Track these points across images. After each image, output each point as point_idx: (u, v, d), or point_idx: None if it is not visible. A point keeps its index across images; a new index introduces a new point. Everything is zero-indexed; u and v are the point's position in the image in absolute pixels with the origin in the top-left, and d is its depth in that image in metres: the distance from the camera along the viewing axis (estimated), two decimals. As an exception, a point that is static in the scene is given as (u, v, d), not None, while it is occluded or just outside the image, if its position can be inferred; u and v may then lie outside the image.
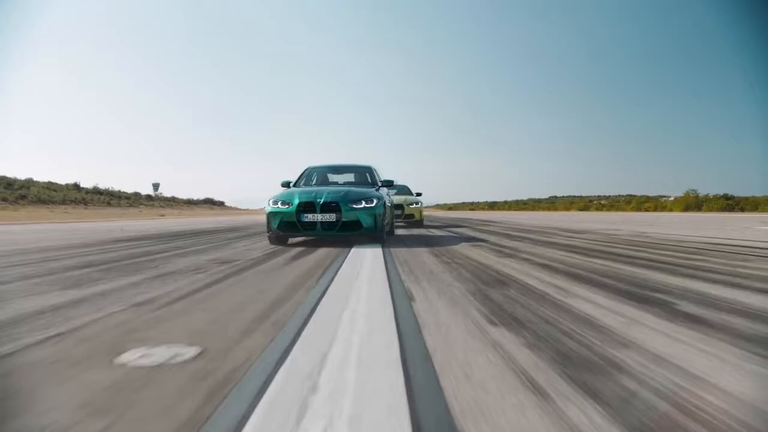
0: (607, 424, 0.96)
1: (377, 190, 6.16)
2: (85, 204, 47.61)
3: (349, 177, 7.29)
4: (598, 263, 3.62)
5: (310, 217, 5.31)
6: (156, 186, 66.27)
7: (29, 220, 22.00)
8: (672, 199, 48.12)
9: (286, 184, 6.71)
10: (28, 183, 50.27)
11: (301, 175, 7.18)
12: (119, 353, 1.44)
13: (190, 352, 1.45)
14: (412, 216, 10.65)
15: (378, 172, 7.36)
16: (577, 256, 4.14)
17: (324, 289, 2.52)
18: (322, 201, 5.32)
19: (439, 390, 1.13)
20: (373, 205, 5.43)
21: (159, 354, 1.43)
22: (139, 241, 6.85)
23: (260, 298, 2.31)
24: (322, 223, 5.29)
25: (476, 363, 1.33)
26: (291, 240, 6.01)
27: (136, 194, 57.66)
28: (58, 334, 1.66)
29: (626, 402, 1.07)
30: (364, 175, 7.09)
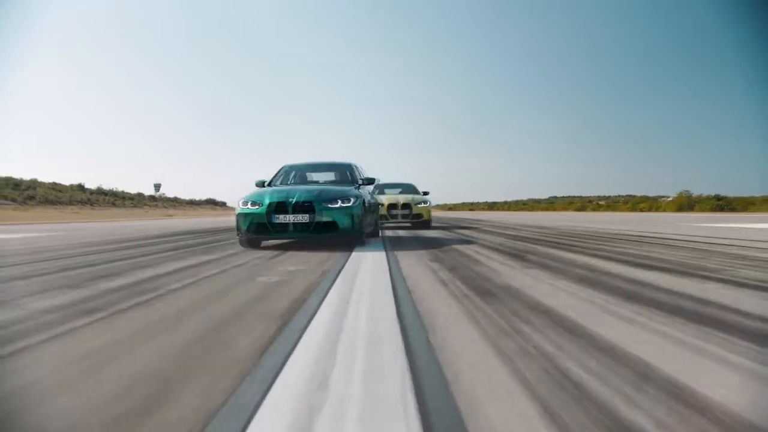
0: (465, 290, 2.57)
1: (357, 188, 5.97)
2: (91, 204, 49.04)
3: (330, 175, 7.00)
4: (529, 246, 5.26)
5: (281, 218, 5.11)
6: (157, 186, 67.86)
7: (49, 220, 23.60)
8: (670, 199, 49.72)
9: (261, 184, 6.42)
10: (34, 184, 51.74)
11: (277, 174, 6.83)
12: (254, 279, 3.07)
13: (288, 278, 3.08)
14: (420, 216, 10.29)
15: (361, 169, 7.13)
16: (521, 243, 5.78)
17: (347, 256, 4.16)
18: (294, 201, 5.13)
19: (405, 284, 2.75)
20: (351, 204, 5.25)
21: (275, 278, 3.06)
22: (186, 235, 8.50)
23: (311, 261, 3.94)
24: (294, 224, 5.10)
25: (423, 277, 2.96)
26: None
27: (140, 195, 59.24)
28: (214, 274, 3.29)
29: (478, 286, 2.68)
30: (345, 173, 6.79)
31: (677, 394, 1.11)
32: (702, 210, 41.11)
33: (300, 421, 1.00)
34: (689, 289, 2.47)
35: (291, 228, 5.11)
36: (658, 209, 46.30)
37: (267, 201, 5.17)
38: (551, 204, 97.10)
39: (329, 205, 5.15)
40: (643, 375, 1.23)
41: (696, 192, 45.09)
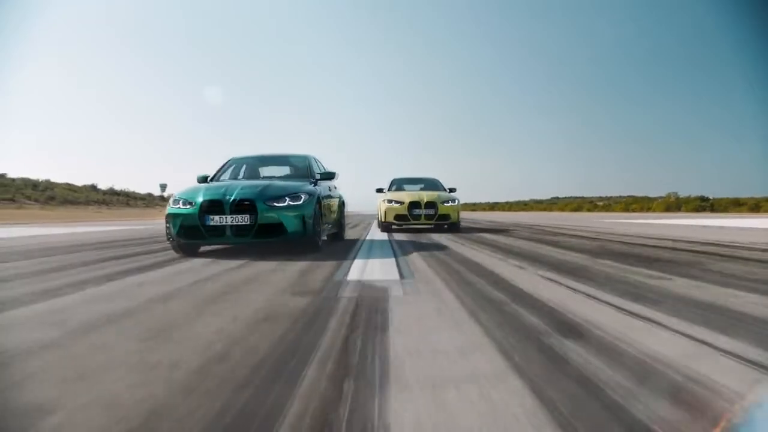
0: (425, 243, 6.08)
1: (313, 184, 5.41)
2: (107, 205, 52.42)
3: (283, 170, 6.42)
4: (477, 233, 8.75)
5: (216, 219, 4.49)
6: (163, 187, 71.28)
7: (91, 219, 27.08)
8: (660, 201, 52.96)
9: (202, 179, 5.72)
10: (50, 185, 55.19)
11: (221, 168, 6.14)
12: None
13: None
14: (447, 217, 9.02)
15: (320, 162, 6.65)
16: (474, 232, 9.28)
17: (367, 233, 7.70)
18: (232, 198, 4.53)
19: (398, 244, 6.28)
20: (301, 202, 4.71)
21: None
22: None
23: (350, 235, 7.47)
24: (232, 227, 4.50)
25: (406, 244, 6.50)
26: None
27: (150, 195, 62.83)
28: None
29: (428, 244, 6.19)
30: (300, 166, 6.19)
31: (468, 259, 4.63)
32: (687, 210, 44.41)
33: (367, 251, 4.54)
34: (504, 239, 5.99)
35: (228, 231, 4.49)
36: (648, 209, 49.63)
37: (200, 199, 4.56)
38: (551, 204, 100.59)
39: (275, 204, 4.57)
40: (450, 253, 4.75)
41: (706, 193, 47.98)
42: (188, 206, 4.59)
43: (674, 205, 47.14)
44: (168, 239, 4.77)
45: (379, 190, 10.19)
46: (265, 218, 4.50)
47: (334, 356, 1.47)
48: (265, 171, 6.40)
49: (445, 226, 9.24)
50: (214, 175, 5.91)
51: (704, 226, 11.09)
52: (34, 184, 53.02)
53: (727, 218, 20.39)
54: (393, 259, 4.32)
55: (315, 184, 5.50)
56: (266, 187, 4.77)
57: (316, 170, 6.14)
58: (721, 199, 46.47)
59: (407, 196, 9.22)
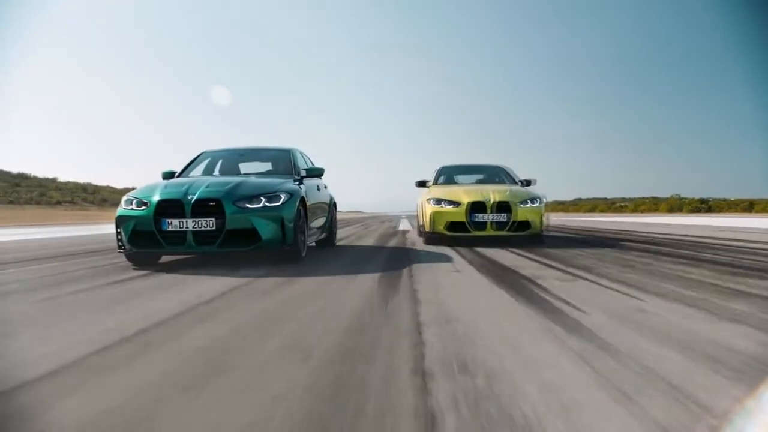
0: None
1: (297, 182, 4.78)
2: (150, 206, 59.96)
3: (265, 166, 5.75)
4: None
5: (175, 223, 3.82)
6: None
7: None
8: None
9: (168, 176, 5.07)
10: (96, 188, 63.29)
11: (191, 162, 5.46)
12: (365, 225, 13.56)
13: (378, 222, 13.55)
14: (526, 225, 6.16)
15: (306, 156, 6.06)
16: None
17: (398, 223, 14.68)
18: (194, 198, 3.85)
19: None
20: (279, 203, 4.06)
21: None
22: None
23: (389, 225, 14.43)
24: (193, 233, 3.81)
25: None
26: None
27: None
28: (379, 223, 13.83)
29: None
30: (282, 162, 5.45)
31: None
32: (687, 211, 50.23)
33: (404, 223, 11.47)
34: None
35: (188, 238, 3.82)
36: (655, 210, 55.44)
37: (156, 198, 3.90)
38: (571, 205, 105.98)
39: (247, 205, 3.93)
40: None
41: (727, 195, 53.26)
42: (142, 207, 3.92)
43: (677, 206, 52.91)
44: (119, 248, 4.05)
45: (421, 184, 7.88)
46: (235, 222, 3.85)
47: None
48: (244, 167, 5.72)
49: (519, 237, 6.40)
50: (182, 171, 5.29)
51: (632, 222, 17.65)
52: (83, 188, 61.32)
53: (696, 217, 26.56)
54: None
55: (299, 182, 4.89)
56: (237, 184, 4.14)
57: (302, 166, 5.56)
58: (721, 201, 52.03)
59: (464, 193, 6.57)
